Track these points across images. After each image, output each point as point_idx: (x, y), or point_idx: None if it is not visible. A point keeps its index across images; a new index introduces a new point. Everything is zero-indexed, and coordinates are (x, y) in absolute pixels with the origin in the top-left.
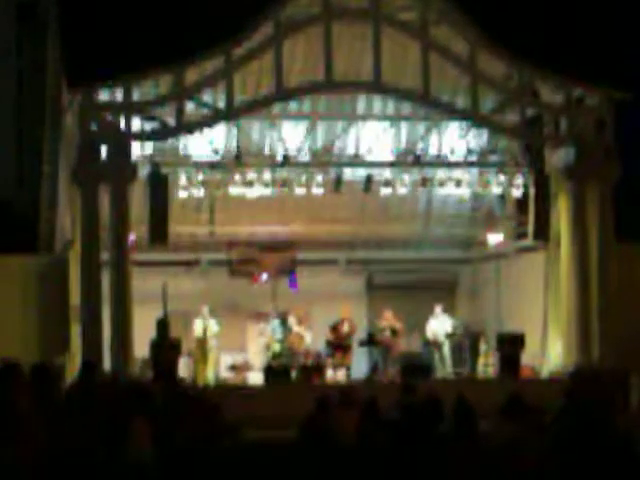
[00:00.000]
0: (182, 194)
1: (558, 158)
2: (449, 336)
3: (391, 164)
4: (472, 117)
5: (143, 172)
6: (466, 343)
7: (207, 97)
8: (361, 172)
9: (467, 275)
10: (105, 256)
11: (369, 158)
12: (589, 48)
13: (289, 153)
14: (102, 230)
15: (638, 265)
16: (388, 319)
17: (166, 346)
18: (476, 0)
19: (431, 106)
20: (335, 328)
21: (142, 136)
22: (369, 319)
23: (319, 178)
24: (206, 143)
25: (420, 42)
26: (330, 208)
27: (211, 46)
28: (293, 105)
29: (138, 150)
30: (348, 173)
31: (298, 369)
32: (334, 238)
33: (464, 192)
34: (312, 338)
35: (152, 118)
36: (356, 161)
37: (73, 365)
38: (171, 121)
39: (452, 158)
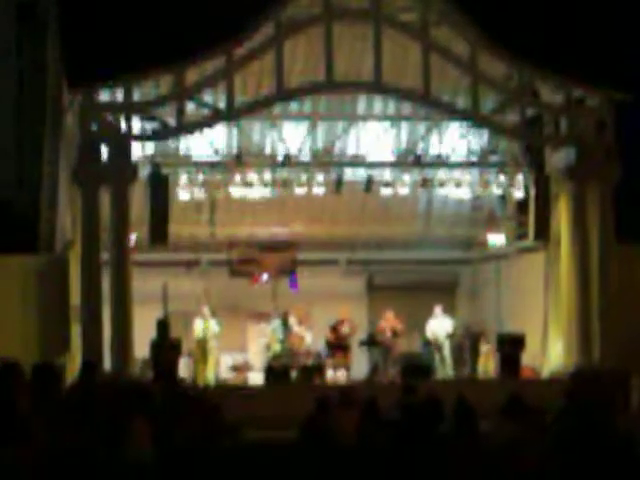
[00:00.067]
0: (182, 194)
1: (558, 159)
2: (449, 336)
3: (392, 164)
4: (472, 117)
5: (143, 172)
6: (466, 344)
7: (208, 97)
8: (362, 172)
9: (467, 275)
10: (105, 256)
11: (370, 158)
12: (589, 49)
13: (290, 153)
14: (102, 230)
15: (638, 266)
16: (389, 320)
17: (166, 346)
18: (476, 1)
19: (432, 106)
20: (335, 328)
21: (143, 136)
22: (369, 319)
23: (320, 178)
24: (207, 143)
25: (421, 43)
26: (330, 208)
27: (212, 46)
28: (294, 105)
29: (139, 150)
30: (349, 173)
31: (298, 369)
32: (334, 238)
33: (464, 193)
34: (312, 338)
35: (153, 118)
36: (356, 161)
37: (73, 365)
38: (172, 121)
39: (452, 158)
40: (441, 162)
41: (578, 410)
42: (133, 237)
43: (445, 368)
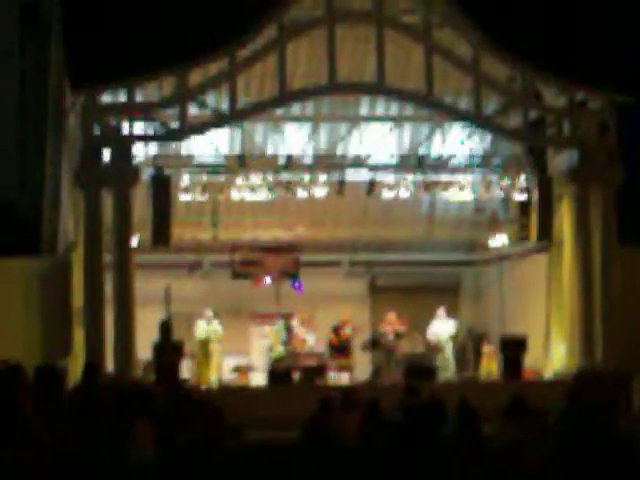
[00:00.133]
0: (185, 197)
1: (561, 161)
2: (452, 338)
3: (394, 167)
4: (475, 119)
5: (146, 174)
6: (469, 345)
7: (210, 99)
8: (364, 175)
9: (470, 277)
10: (108, 258)
11: (372, 161)
12: (592, 51)
13: (292, 155)
14: (105, 232)
15: None
16: (392, 322)
17: (169, 348)
18: (479, 3)
19: (434, 108)
20: (337, 330)
21: (145, 138)
22: (372, 321)
23: (322, 180)
24: (209, 146)
25: (423, 45)
26: (333, 210)
27: (215, 48)
28: (296, 108)
29: (141, 152)
30: (351, 175)
31: (301, 371)
32: (337, 240)
33: (467, 195)
34: (315, 340)
35: (155, 120)
36: (359, 163)
37: (76, 367)
38: (174, 123)
39: (455, 161)
40: (443, 164)
41: (580, 412)
42: (135, 239)
43: (448, 370)
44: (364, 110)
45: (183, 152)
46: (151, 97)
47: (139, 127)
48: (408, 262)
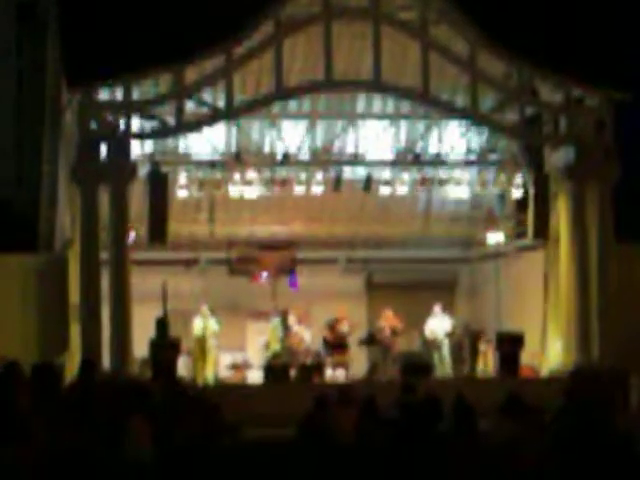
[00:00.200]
0: (182, 193)
1: (558, 158)
2: (448, 335)
3: (391, 163)
4: (472, 116)
5: (143, 171)
6: (465, 342)
7: (207, 96)
8: (361, 171)
9: (466, 274)
10: (104, 255)
11: (369, 157)
12: (589, 48)
13: (289, 152)
14: (101, 229)
15: (638, 265)
16: (388, 318)
17: (165, 345)
18: (476, 0)
19: (431, 105)
20: (332, 327)
21: (142, 135)
22: (369, 318)
23: (319, 177)
24: (206, 142)
25: (420, 41)
26: (330, 207)
27: (211, 45)
28: (293, 104)
29: (138, 149)
30: (348, 172)
31: (297, 368)
32: (334, 237)
33: (463, 191)
34: (312, 337)
35: (152, 117)
36: (356, 160)
37: (72, 364)
38: (171, 120)
39: (452, 157)
40: (440, 161)
41: (577, 409)
42: (132, 236)
43: (444, 367)
44: (361, 107)
45: (180, 149)
46: (147, 94)
47: (136, 124)
48: (405, 259)
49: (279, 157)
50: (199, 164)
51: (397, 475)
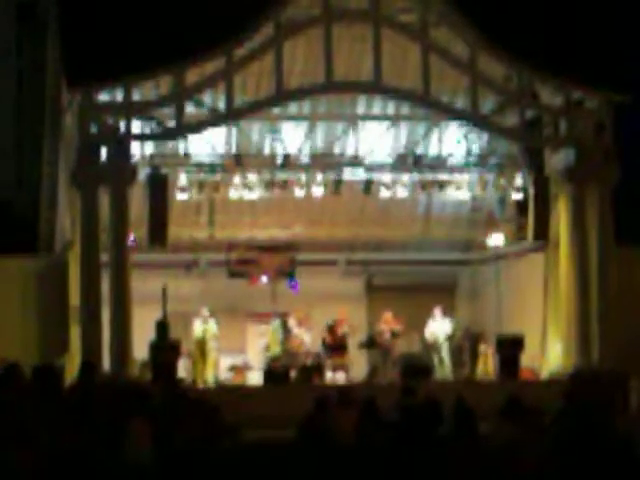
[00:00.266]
0: (182, 196)
1: (558, 160)
2: (448, 338)
3: (391, 165)
4: (472, 119)
5: (143, 173)
6: (466, 345)
7: (207, 98)
8: (361, 174)
9: (467, 277)
10: (105, 257)
11: (369, 160)
12: (589, 51)
13: (289, 154)
14: (102, 231)
15: (638, 268)
16: (388, 321)
17: (165, 347)
18: (476, 2)
19: (431, 107)
20: (332, 329)
21: (142, 137)
22: (369, 320)
23: (319, 179)
24: (206, 144)
25: (420, 44)
26: (330, 210)
27: (211, 47)
28: (293, 106)
29: (138, 151)
30: (348, 174)
31: (298, 370)
32: (334, 239)
33: (464, 194)
34: (312, 339)
35: (152, 119)
36: (356, 162)
37: (72, 366)
38: (171, 122)
39: (452, 160)
40: (440, 163)
41: (577, 411)
42: (132, 238)
43: (444, 369)
44: (361, 109)
45: (180, 151)
46: (148, 96)
47: (136, 126)
48: (405, 261)
49: (279, 159)
50: (199, 166)
51: (397, 477)
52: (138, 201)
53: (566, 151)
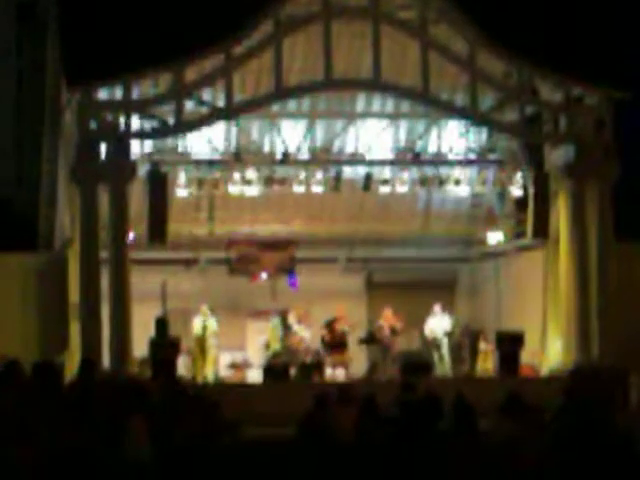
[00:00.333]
0: (181, 192)
1: (557, 156)
2: (448, 335)
3: (390, 162)
4: (471, 115)
5: (142, 170)
6: (465, 342)
7: (206, 95)
8: (360, 170)
9: (466, 273)
10: (104, 254)
11: (368, 156)
12: (589, 47)
13: (288, 151)
14: (101, 228)
15: (637, 264)
16: (388, 318)
17: (165, 344)
18: None
19: (430, 104)
20: (330, 326)
21: (141, 135)
22: (369, 317)
23: (318, 176)
24: (205, 141)
25: (419, 40)
26: (329, 206)
27: (211, 44)
28: (292, 103)
29: (137, 149)
30: (347, 171)
31: (298, 367)
32: (333, 236)
33: (463, 190)
34: (312, 336)
35: (151, 117)
36: (355, 159)
37: (72, 363)
38: (170, 120)
39: (451, 156)
40: (440, 160)
41: (577, 408)
42: (132, 235)
43: (444, 366)
44: (360, 106)
45: (179, 148)
46: (147, 93)
47: (135, 123)
48: (404, 258)
49: (279, 156)
50: (199, 163)
51: (397, 473)
52: (138, 198)
53: (566, 147)
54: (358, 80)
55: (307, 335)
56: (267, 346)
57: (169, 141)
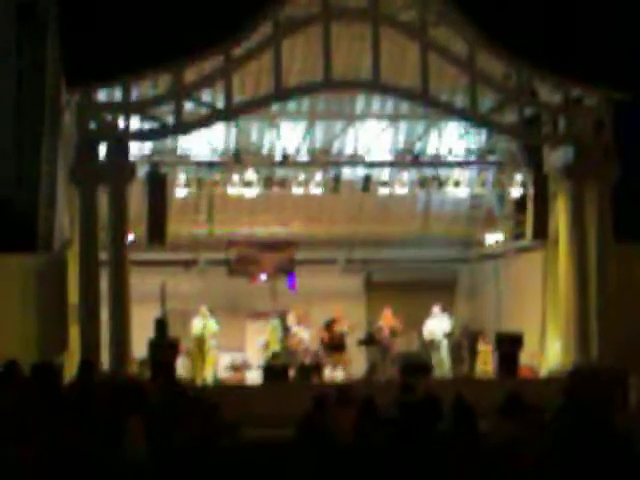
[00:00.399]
0: (180, 193)
1: (557, 158)
2: (447, 336)
3: (390, 163)
4: (471, 117)
5: (142, 171)
6: (464, 343)
7: (206, 97)
8: (360, 172)
9: (466, 274)
10: (103, 255)
11: (368, 158)
12: (588, 48)
13: (288, 153)
14: (100, 229)
15: (637, 265)
16: (387, 318)
17: (164, 345)
18: (475, 0)
19: (430, 106)
20: (329, 327)
21: (141, 135)
22: (368, 318)
23: (318, 178)
24: (205, 143)
25: (419, 42)
26: (329, 208)
27: (210, 46)
28: (292, 105)
29: (137, 149)
30: (347, 173)
31: (297, 369)
32: (333, 237)
33: (463, 192)
34: (311, 338)
35: (151, 117)
36: (355, 161)
37: (71, 364)
38: (170, 120)
39: (451, 158)
40: (439, 161)
41: (576, 408)
42: (131, 236)
43: (443, 367)
44: (360, 107)
45: (179, 149)
46: (146, 94)
47: (135, 124)
48: (404, 259)
49: (278, 158)
50: (198, 164)
51: (396, 475)
52: (137, 199)
53: (565, 149)
54: (357, 81)
55: (306, 336)
56: (266, 347)
57: (168, 142)
